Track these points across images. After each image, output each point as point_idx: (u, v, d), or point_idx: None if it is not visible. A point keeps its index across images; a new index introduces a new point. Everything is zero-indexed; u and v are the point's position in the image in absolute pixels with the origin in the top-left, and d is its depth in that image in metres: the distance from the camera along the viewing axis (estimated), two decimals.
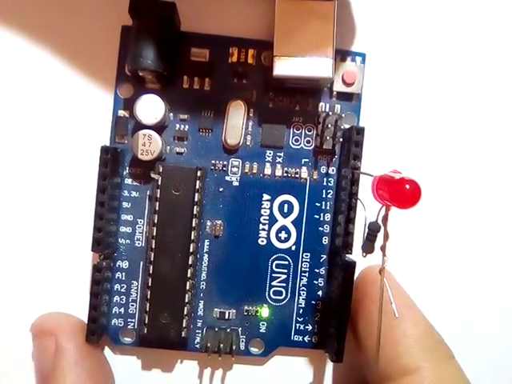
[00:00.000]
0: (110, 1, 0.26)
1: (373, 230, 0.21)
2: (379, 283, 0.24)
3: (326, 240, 0.27)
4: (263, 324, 0.27)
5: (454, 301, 0.28)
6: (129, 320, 0.27)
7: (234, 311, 0.27)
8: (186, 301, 0.25)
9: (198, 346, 0.27)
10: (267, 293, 0.27)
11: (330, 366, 0.28)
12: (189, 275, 0.25)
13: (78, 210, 0.27)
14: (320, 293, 0.27)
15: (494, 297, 0.28)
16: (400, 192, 0.19)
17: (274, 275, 0.27)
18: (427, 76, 0.28)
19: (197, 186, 0.25)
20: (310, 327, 0.27)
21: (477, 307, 0.28)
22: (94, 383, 0.25)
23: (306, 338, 0.27)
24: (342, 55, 0.26)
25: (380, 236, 0.22)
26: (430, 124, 0.28)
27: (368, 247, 0.22)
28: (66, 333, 0.25)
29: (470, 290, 0.28)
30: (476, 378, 0.24)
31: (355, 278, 0.25)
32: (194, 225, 0.25)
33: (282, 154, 0.27)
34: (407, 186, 0.19)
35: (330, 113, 0.26)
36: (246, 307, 0.27)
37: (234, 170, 0.27)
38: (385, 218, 0.21)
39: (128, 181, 0.26)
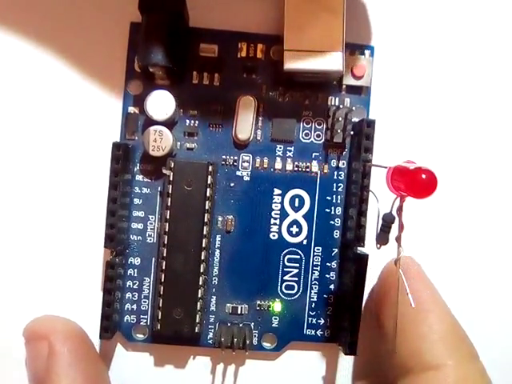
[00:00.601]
0: None
1: (387, 222, 0.21)
2: (405, 274, 0.24)
3: (337, 233, 0.27)
4: (275, 318, 0.27)
5: (469, 294, 0.28)
6: (141, 316, 0.27)
7: (247, 306, 0.27)
8: (199, 296, 0.25)
9: (210, 341, 0.27)
10: (279, 287, 0.27)
11: (342, 360, 0.28)
12: (201, 270, 0.25)
13: (87, 208, 0.27)
14: (332, 286, 0.27)
15: None
16: (416, 182, 0.19)
17: (285, 270, 0.27)
18: (435, 68, 0.28)
19: (208, 181, 0.25)
20: (322, 321, 0.27)
21: (494, 301, 0.28)
22: None
23: (319, 332, 0.27)
24: (350, 49, 0.26)
25: (394, 227, 0.22)
26: (439, 115, 0.28)
27: (382, 239, 0.22)
28: (60, 336, 0.24)
29: (486, 282, 0.28)
30: None
31: (380, 269, 0.26)
32: (206, 220, 0.25)
33: (292, 149, 0.27)
34: (423, 176, 0.19)
35: (340, 106, 0.26)
36: (258, 302, 0.27)
37: (245, 164, 0.27)
38: (399, 209, 0.21)
39: (139, 177, 0.26)
